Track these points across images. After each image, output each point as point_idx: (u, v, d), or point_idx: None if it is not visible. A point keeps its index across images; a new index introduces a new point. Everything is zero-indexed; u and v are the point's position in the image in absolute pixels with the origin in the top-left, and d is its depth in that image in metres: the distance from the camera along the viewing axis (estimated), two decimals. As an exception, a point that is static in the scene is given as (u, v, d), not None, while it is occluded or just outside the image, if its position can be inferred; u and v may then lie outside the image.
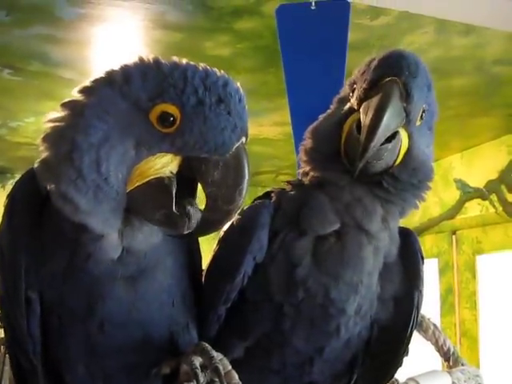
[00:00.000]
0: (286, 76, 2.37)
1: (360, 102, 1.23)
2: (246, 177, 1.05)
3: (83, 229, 1.05)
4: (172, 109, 1.01)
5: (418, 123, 1.25)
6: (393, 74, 1.20)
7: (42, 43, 3.63)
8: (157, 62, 1.06)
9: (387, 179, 1.24)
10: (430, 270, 5.97)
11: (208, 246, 1.39)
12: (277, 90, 4.09)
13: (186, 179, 1.05)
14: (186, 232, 1.05)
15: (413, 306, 1.35)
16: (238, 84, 1.07)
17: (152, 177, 1.02)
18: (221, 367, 1.08)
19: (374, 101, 1.18)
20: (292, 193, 1.34)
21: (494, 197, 5.53)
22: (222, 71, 1.07)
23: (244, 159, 1.05)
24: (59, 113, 1.06)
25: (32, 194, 1.10)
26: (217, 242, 1.39)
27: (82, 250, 1.09)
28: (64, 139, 1.02)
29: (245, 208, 1.36)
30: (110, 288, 1.13)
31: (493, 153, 5.54)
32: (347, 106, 1.29)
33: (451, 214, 6.00)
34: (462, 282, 5.76)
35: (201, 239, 1.33)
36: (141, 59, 1.07)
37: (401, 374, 1.54)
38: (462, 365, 1.72)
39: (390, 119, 1.17)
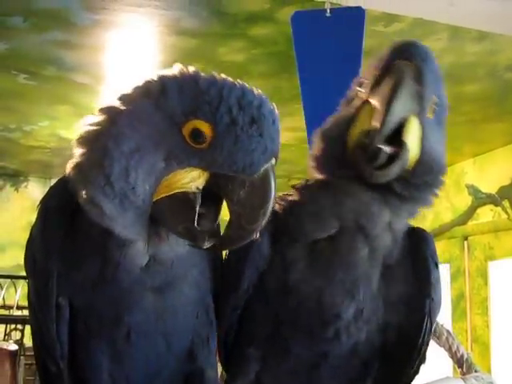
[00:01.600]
0: (301, 83, 2.38)
1: (371, 90, 1.19)
2: (272, 199, 1.03)
3: (110, 234, 1.06)
4: (205, 126, 1.01)
5: (430, 116, 1.21)
6: (404, 57, 1.16)
7: (57, 48, 3.68)
8: (195, 76, 1.05)
9: (399, 184, 1.20)
10: (441, 275, 5.94)
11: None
12: (290, 96, 4.10)
13: (212, 195, 1.04)
14: (204, 248, 1.05)
15: (424, 313, 1.32)
16: (273, 105, 1.06)
17: (178, 190, 1.02)
18: None
19: (387, 80, 1.15)
20: (292, 197, 1.31)
21: (506, 203, 5.51)
22: (259, 90, 1.06)
23: (271, 181, 1.03)
24: (96, 117, 1.06)
25: (65, 201, 1.10)
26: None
27: (111, 257, 1.10)
28: (97, 145, 1.03)
29: None
30: (139, 298, 1.13)
31: (505, 158, 5.53)
32: (356, 101, 1.24)
33: (463, 220, 5.99)
34: (474, 287, 5.75)
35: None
36: (180, 71, 1.06)
37: (415, 381, 1.54)
38: (476, 371, 1.72)
39: (406, 99, 1.14)
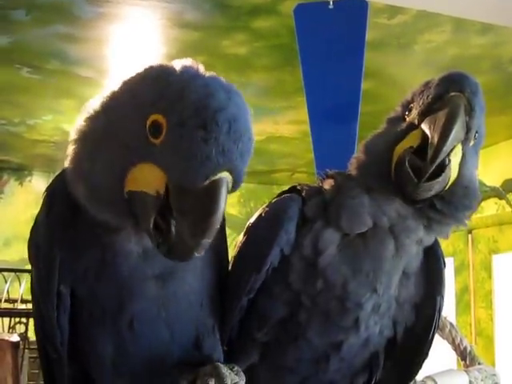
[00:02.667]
0: (304, 75, 2.37)
1: (422, 116, 1.23)
2: (215, 216, 0.94)
3: (102, 221, 1.07)
4: (162, 120, 0.96)
5: (471, 143, 1.26)
6: (457, 89, 1.21)
7: (60, 42, 3.68)
8: (167, 69, 1.02)
9: (438, 201, 1.24)
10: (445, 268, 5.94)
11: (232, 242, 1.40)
12: (293, 89, 4.10)
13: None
14: (158, 250, 1.00)
15: (435, 310, 1.36)
16: (240, 110, 0.98)
17: (141, 189, 0.98)
18: None
19: (442, 113, 1.19)
20: (327, 188, 1.33)
21: (510, 196, 5.51)
22: (236, 92, 1.00)
23: (217, 196, 0.94)
24: (88, 112, 1.08)
25: (68, 190, 1.10)
26: (243, 233, 1.40)
27: (109, 244, 1.11)
28: (75, 147, 1.06)
29: (273, 201, 1.37)
30: (140, 286, 1.14)
31: (509, 152, 5.53)
32: (403, 124, 1.28)
33: (467, 213, 5.97)
34: (478, 281, 5.75)
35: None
36: (158, 64, 1.04)
37: (419, 374, 1.54)
38: (479, 364, 1.72)
39: (459, 130, 1.18)
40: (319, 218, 1.30)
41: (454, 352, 1.77)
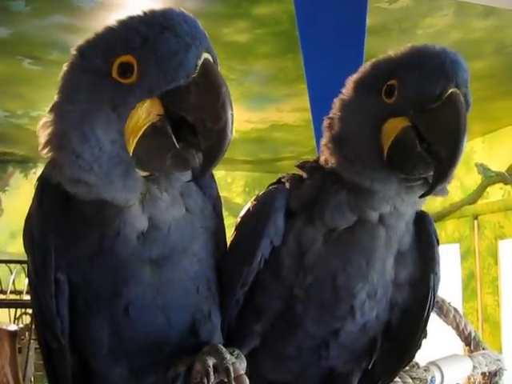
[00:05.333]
0: (305, 61, 2.37)
1: (416, 112, 1.17)
2: (223, 88, 1.01)
3: (104, 205, 1.07)
4: (126, 58, 1.02)
5: None
6: (454, 84, 1.14)
7: (61, 32, 3.66)
8: (106, 27, 1.07)
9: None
10: (451, 255, 5.94)
11: (228, 234, 1.39)
12: (295, 76, 4.09)
13: (178, 122, 1.03)
14: (198, 165, 1.04)
15: (429, 288, 1.35)
16: (182, 9, 1.05)
17: (144, 127, 1.02)
18: (231, 368, 1.10)
19: (445, 119, 1.14)
20: (309, 181, 1.33)
21: (515, 181, 5.50)
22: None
23: (213, 72, 1.02)
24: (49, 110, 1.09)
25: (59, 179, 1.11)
26: (234, 227, 1.40)
27: (109, 227, 1.10)
28: (51, 136, 1.06)
29: (260, 193, 1.37)
30: (136, 271, 1.13)
31: (514, 136, 5.51)
32: (384, 106, 1.22)
33: (473, 199, 5.97)
34: (484, 267, 5.74)
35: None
36: (97, 32, 1.08)
37: (422, 358, 1.54)
38: (483, 349, 1.72)
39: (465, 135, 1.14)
40: (302, 213, 1.30)
41: (458, 337, 1.77)
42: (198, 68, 1.00)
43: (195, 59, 1.00)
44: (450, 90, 1.14)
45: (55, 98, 1.08)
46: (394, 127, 1.19)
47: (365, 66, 1.30)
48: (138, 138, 1.02)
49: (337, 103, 1.31)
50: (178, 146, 1.02)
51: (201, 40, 1.02)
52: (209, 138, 1.01)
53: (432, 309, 1.38)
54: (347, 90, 1.30)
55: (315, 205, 1.29)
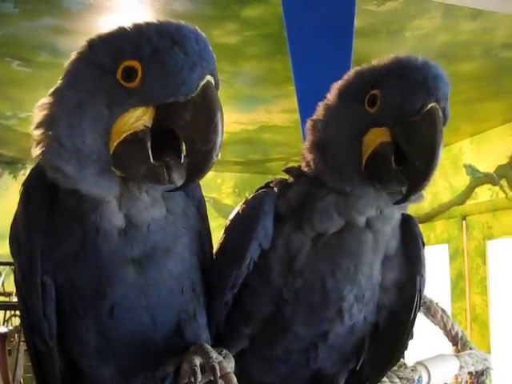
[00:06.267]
0: (293, 63, 2.37)
1: (395, 123, 1.20)
2: (218, 113, 1.03)
3: (82, 198, 1.09)
4: (133, 63, 1.04)
5: None
6: (434, 99, 1.17)
7: (50, 34, 3.65)
8: (120, 27, 1.09)
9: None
10: (440, 255, 5.97)
11: (218, 235, 1.40)
12: (284, 77, 4.09)
13: (167, 134, 1.06)
14: (167, 184, 1.06)
15: (415, 289, 1.37)
16: (196, 27, 1.07)
17: (127, 133, 1.04)
18: (217, 367, 1.10)
19: (423, 133, 1.17)
20: (296, 187, 1.34)
21: (504, 182, 5.51)
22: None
23: (211, 96, 1.04)
24: (45, 99, 1.10)
25: (45, 181, 1.12)
26: (223, 230, 1.41)
27: (88, 223, 1.11)
28: (45, 117, 1.07)
29: (249, 197, 1.38)
30: (119, 271, 1.14)
31: (502, 138, 5.52)
32: (366, 115, 1.24)
33: (461, 200, 5.99)
34: (473, 267, 5.76)
35: (212, 229, 1.35)
36: (111, 30, 1.10)
37: (409, 359, 1.55)
38: (470, 349, 1.74)
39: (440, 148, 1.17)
40: (291, 218, 1.32)
41: (445, 337, 1.79)
42: (198, 88, 1.03)
43: (198, 80, 1.03)
44: (430, 105, 1.17)
45: (58, 82, 1.10)
46: (373, 140, 1.22)
47: (349, 74, 1.33)
48: (118, 141, 1.04)
49: (321, 108, 1.33)
50: (151, 161, 1.04)
51: (208, 62, 1.04)
52: (195, 157, 1.04)
53: (418, 310, 1.40)
54: (331, 96, 1.32)
55: (303, 210, 1.30)
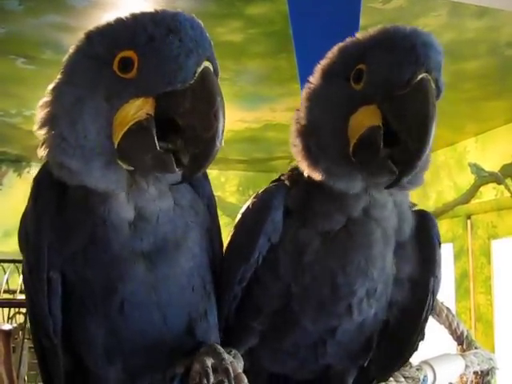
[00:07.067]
0: (298, 61, 2.37)
1: (384, 98, 1.11)
2: (217, 98, 1.02)
3: (90, 193, 1.09)
4: (129, 53, 1.03)
5: None
6: (424, 69, 1.08)
7: (54, 31, 3.65)
8: (117, 18, 1.08)
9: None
10: (444, 254, 5.93)
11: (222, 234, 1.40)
12: (289, 76, 4.08)
13: (169, 125, 1.04)
14: (176, 171, 1.05)
15: (428, 290, 1.35)
16: (193, 15, 1.06)
17: (130, 123, 1.03)
18: (231, 369, 1.10)
19: (413, 106, 1.07)
20: (294, 191, 1.32)
21: (509, 181, 5.50)
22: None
23: (210, 81, 1.02)
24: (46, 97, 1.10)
25: (54, 178, 1.11)
26: (234, 224, 1.40)
27: (97, 217, 1.11)
28: (47, 116, 1.08)
29: (260, 191, 1.37)
30: (130, 266, 1.14)
31: (508, 136, 5.51)
32: (353, 93, 1.16)
33: (466, 199, 5.98)
34: (477, 266, 5.75)
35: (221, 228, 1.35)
36: (109, 21, 1.10)
37: (415, 358, 1.54)
38: (476, 348, 1.72)
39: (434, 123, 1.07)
40: (298, 215, 1.30)
41: (450, 337, 1.77)
42: (196, 75, 1.01)
43: (195, 66, 1.01)
44: (420, 76, 1.08)
45: (57, 77, 1.10)
46: (361, 121, 1.14)
47: (332, 52, 1.25)
48: (122, 132, 1.04)
49: (304, 93, 1.26)
50: (158, 148, 1.03)
51: (204, 48, 1.03)
52: (197, 146, 1.03)
53: (431, 312, 1.38)
54: (314, 78, 1.25)
55: (306, 209, 1.29)
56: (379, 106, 1.12)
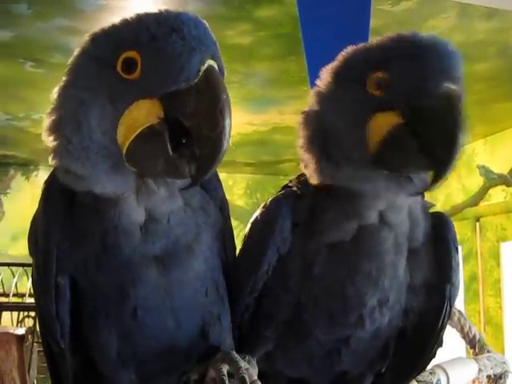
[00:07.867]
0: (308, 64, 2.36)
1: (407, 107, 1.11)
2: (222, 96, 1.00)
3: (98, 197, 1.08)
4: (132, 53, 1.02)
5: None
6: (449, 78, 1.08)
7: (63, 35, 3.66)
8: (122, 19, 1.07)
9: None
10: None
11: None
12: (298, 78, 4.08)
13: (176, 127, 1.02)
14: (188, 176, 1.03)
15: (444, 297, 1.33)
16: (197, 14, 1.05)
17: (142, 127, 1.01)
18: (247, 377, 1.09)
19: (442, 117, 1.07)
20: (300, 202, 1.29)
21: (518, 183, 5.48)
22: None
23: (214, 79, 1.01)
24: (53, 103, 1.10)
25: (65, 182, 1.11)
26: (245, 234, 1.39)
27: (107, 222, 1.10)
28: (53, 121, 1.07)
29: (268, 200, 1.35)
30: (143, 270, 1.13)
31: (517, 139, 5.49)
32: (372, 98, 1.15)
33: (475, 201, 5.96)
34: (486, 269, 5.72)
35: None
36: (113, 22, 1.09)
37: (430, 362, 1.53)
38: (488, 352, 1.71)
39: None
40: (306, 226, 1.27)
41: (462, 340, 1.76)
42: (200, 73, 1.00)
43: (198, 64, 1.00)
44: (445, 85, 1.08)
45: (62, 79, 1.10)
46: (383, 123, 1.13)
47: (344, 55, 1.25)
48: (133, 136, 1.02)
49: (314, 97, 1.25)
50: (171, 153, 1.01)
51: (207, 46, 1.01)
52: (204, 146, 1.00)
53: (448, 319, 1.35)
54: (324, 81, 1.24)
55: (314, 220, 1.26)
56: (402, 113, 1.12)
